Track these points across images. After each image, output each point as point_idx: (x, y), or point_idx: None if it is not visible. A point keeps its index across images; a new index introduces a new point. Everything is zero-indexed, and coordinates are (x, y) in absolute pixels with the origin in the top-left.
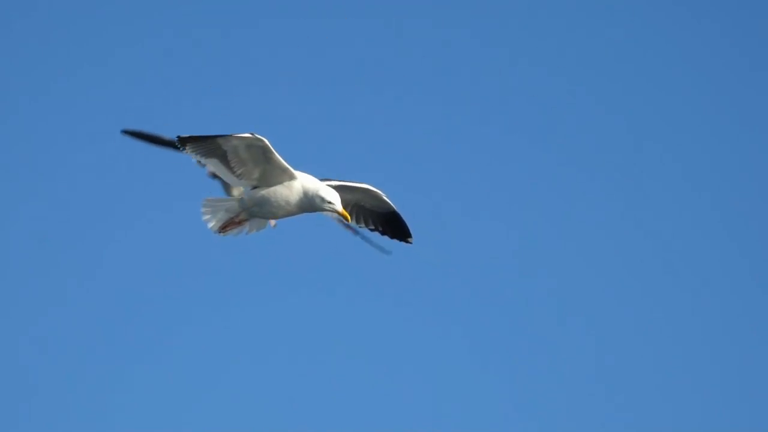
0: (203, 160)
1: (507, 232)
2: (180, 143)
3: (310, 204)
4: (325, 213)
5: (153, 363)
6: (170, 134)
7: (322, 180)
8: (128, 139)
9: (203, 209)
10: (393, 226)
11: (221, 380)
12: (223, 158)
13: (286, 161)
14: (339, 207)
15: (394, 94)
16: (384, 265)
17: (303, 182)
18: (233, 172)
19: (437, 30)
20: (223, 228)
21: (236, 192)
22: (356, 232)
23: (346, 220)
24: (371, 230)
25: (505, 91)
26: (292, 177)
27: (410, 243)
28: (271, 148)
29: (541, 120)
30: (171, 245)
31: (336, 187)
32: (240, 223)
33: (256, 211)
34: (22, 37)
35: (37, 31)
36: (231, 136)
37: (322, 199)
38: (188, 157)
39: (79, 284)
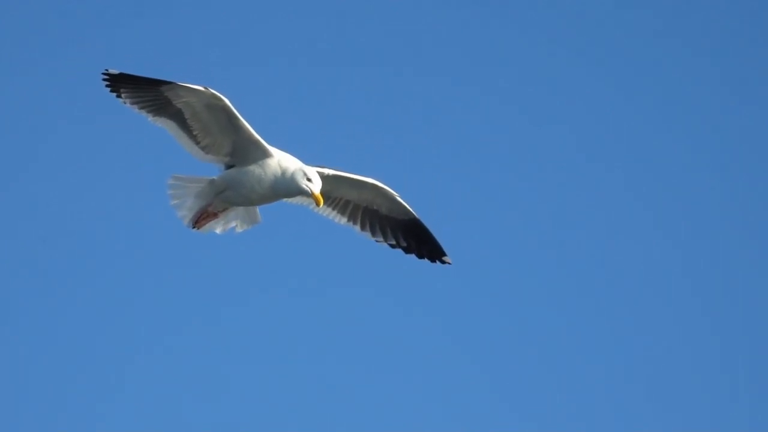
0: (151, 118)
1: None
2: (111, 83)
3: (287, 186)
4: (303, 201)
5: (144, 363)
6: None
7: (314, 167)
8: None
9: (171, 190)
10: (417, 238)
11: (215, 379)
12: (181, 121)
13: (259, 135)
14: (317, 189)
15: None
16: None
17: (280, 160)
18: (197, 143)
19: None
20: (197, 222)
21: None
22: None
23: (318, 204)
24: (392, 246)
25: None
26: (266, 154)
27: (448, 263)
28: (235, 111)
29: (541, 117)
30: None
31: (333, 177)
32: (215, 215)
33: (230, 196)
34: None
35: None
36: (177, 84)
37: (304, 174)
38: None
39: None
